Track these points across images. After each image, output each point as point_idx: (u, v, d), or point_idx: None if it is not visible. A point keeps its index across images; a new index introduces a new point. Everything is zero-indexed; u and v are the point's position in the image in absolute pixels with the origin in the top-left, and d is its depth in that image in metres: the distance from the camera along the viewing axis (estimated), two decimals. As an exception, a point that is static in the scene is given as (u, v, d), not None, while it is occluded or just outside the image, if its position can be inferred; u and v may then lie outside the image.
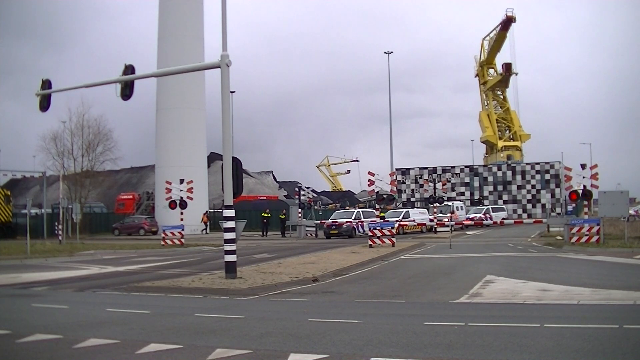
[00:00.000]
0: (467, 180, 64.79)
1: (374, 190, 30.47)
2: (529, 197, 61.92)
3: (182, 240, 32.44)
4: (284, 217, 44.77)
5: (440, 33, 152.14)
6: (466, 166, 67.13)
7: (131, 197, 63.43)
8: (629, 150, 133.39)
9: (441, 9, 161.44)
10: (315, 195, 68.49)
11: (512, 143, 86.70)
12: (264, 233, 44.91)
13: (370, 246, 26.85)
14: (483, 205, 56.33)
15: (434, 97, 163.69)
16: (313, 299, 12.76)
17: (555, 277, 15.19)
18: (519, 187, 62.32)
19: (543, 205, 60.95)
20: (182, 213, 33.12)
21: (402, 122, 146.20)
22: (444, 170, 65.41)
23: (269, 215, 46.25)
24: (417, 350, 7.38)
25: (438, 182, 51.43)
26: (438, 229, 40.05)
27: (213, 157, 67.26)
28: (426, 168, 65.78)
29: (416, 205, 57.62)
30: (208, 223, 50.22)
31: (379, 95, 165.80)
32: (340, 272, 17.51)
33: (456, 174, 65.27)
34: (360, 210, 45.18)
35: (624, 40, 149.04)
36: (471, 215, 47.20)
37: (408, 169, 66.29)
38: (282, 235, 44.16)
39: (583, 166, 26.73)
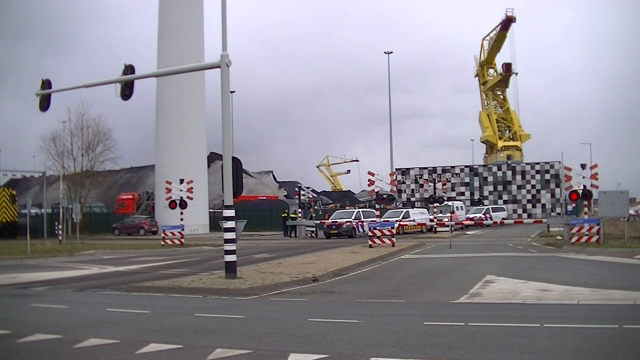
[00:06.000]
0: (467, 180, 64.76)
1: (374, 190, 30.49)
2: (529, 197, 61.89)
3: (182, 240, 32.46)
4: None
5: (437, 35, 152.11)
6: (466, 166, 67.10)
7: (131, 197, 63.40)
8: (628, 150, 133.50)
9: (438, 11, 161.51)
10: (315, 195, 68.44)
11: (512, 143, 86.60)
12: (288, 233, 43.42)
13: (370, 246, 26.85)
14: (483, 205, 56.29)
15: (433, 98, 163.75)
16: (313, 299, 12.76)
17: (555, 277, 15.19)
18: (519, 187, 62.30)
19: (543, 205, 60.92)
20: (182, 213, 33.13)
21: (400, 123, 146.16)
22: (444, 170, 65.38)
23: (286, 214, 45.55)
24: (417, 350, 7.38)
25: (438, 182, 51.39)
26: (438, 229, 40.01)
27: (213, 157, 67.25)
28: (426, 168, 65.74)
29: (416, 205, 57.56)
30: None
31: (378, 96, 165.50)
32: (340, 272, 17.51)
33: (456, 174, 65.24)
34: (360, 210, 45.12)
35: (624, 41, 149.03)
36: (471, 215, 47.15)
37: (408, 169, 66.24)
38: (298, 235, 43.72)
39: (583, 166, 26.73)
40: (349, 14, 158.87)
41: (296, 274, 16.41)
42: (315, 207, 56.71)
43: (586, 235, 24.61)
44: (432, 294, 13.22)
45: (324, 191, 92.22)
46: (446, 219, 35.18)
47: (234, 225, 15.86)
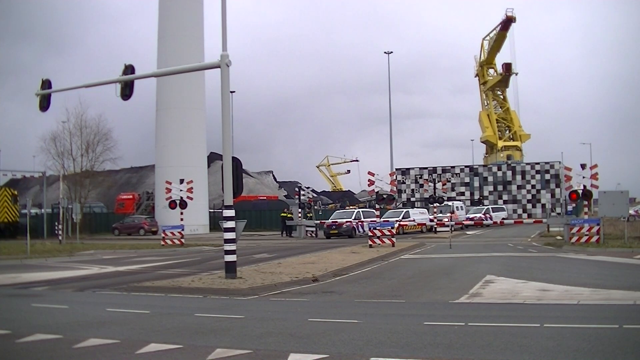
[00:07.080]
0: (467, 180, 64.77)
1: (374, 190, 30.48)
2: (529, 197, 61.90)
3: (182, 240, 32.45)
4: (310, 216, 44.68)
5: (437, 35, 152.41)
6: (466, 166, 67.11)
7: (131, 197, 63.37)
8: (628, 150, 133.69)
9: (438, 12, 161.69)
10: (315, 195, 68.42)
11: (512, 143, 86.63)
12: (286, 233, 43.36)
13: (370, 246, 26.85)
14: (483, 205, 56.29)
15: (432, 98, 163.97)
16: (313, 299, 12.76)
17: (555, 277, 15.19)
18: (519, 187, 62.31)
19: (543, 205, 60.93)
20: (182, 213, 33.12)
21: (400, 123, 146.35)
22: (444, 170, 65.39)
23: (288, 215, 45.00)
24: (417, 350, 7.38)
25: (438, 182, 51.37)
26: (438, 229, 40.02)
27: (213, 157, 67.24)
28: (426, 168, 65.75)
29: (416, 205, 57.57)
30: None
31: (377, 97, 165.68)
32: (340, 272, 17.51)
33: (456, 174, 65.25)
34: (360, 210, 45.10)
35: (624, 41, 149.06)
36: (471, 215, 47.14)
37: (408, 169, 66.25)
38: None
39: (583, 166, 26.73)
40: (349, 14, 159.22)
41: (296, 274, 16.41)
42: (315, 207, 56.64)
43: (586, 235, 24.62)
44: (432, 294, 13.21)
45: (324, 191, 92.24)
46: (446, 219, 35.18)
47: (234, 225, 15.86)
